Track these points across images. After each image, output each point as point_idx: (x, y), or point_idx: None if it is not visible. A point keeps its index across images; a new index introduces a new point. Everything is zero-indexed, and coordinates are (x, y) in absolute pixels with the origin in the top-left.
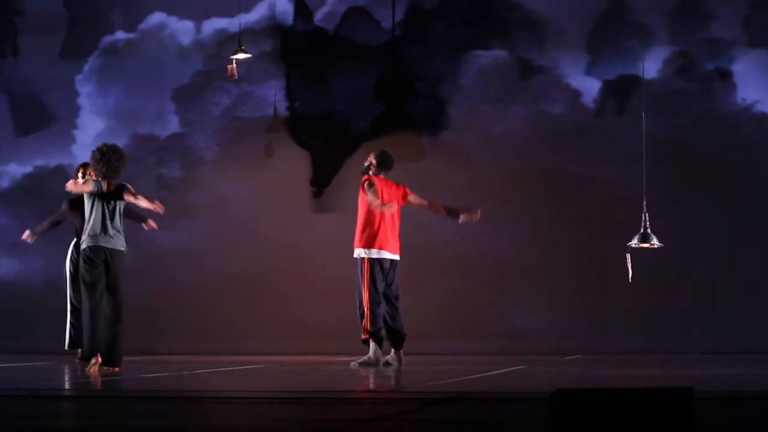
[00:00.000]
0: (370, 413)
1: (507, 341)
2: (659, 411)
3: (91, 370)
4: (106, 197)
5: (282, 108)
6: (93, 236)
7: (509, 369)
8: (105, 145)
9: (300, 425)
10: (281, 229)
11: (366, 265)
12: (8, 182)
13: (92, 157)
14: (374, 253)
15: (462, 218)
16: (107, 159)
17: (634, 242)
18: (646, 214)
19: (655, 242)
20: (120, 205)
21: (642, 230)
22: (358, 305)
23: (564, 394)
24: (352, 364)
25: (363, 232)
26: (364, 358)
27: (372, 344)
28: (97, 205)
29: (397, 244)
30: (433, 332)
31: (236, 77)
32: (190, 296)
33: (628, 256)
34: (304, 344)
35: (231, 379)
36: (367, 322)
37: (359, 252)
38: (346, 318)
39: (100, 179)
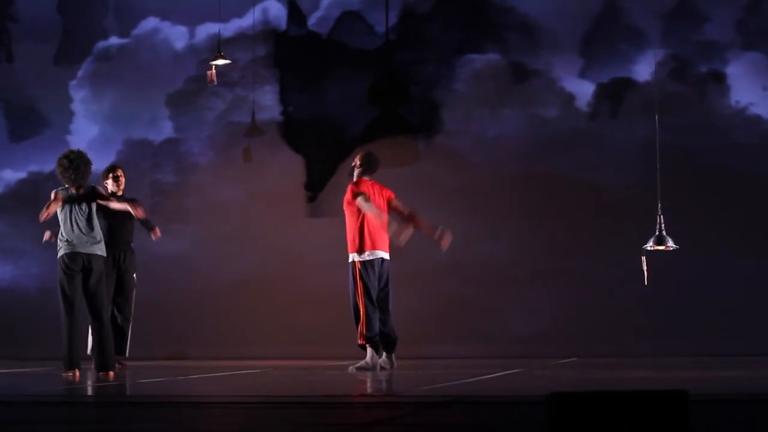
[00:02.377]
0: (365, 417)
1: (502, 345)
2: (655, 414)
3: (69, 379)
4: (80, 203)
5: (276, 113)
6: (69, 243)
7: (505, 372)
8: (71, 151)
9: (296, 430)
10: (276, 233)
11: (358, 269)
12: (2, 188)
13: (60, 164)
14: (366, 256)
15: (430, 237)
16: (76, 165)
17: (649, 245)
18: (661, 217)
19: (671, 245)
20: (94, 209)
21: (657, 233)
22: (353, 310)
23: (559, 397)
24: (350, 368)
25: (354, 236)
26: (362, 362)
27: (369, 349)
28: (70, 211)
29: (387, 243)
30: (429, 336)
31: (215, 83)
32: (184, 301)
33: (644, 258)
34: (300, 348)
35: (226, 383)
36: (363, 327)
37: (353, 256)
38: (341, 322)
39: (68, 186)
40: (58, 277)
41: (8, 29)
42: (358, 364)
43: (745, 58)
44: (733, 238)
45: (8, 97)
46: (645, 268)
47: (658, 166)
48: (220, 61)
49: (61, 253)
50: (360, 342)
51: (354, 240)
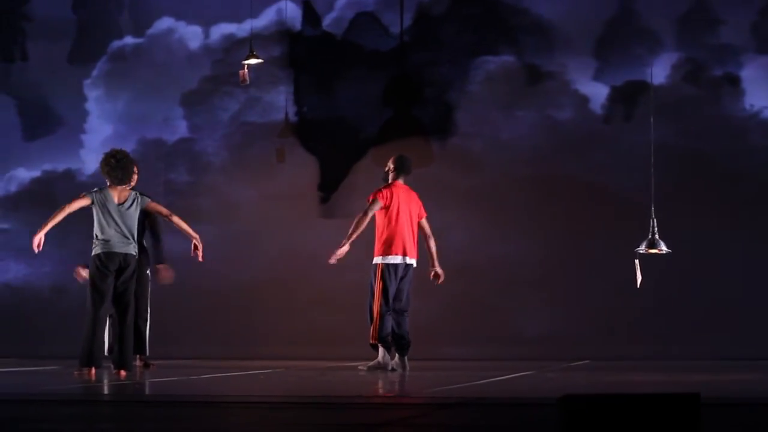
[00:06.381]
0: (376, 418)
1: (514, 347)
2: (666, 417)
3: (85, 377)
4: (121, 203)
5: (290, 113)
6: (107, 242)
7: (516, 374)
8: (117, 151)
9: (307, 430)
10: (289, 234)
11: (379, 271)
12: (16, 186)
13: (107, 164)
14: (390, 259)
15: (430, 272)
16: (123, 165)
17: (641, 248)
18: (654, 220)
19: (663, 248)
20: (136, 212)
21: (650, 236)
22: (368, 309)
23: (571, 399)
24: (360, 367)
25: (381, 238)
26: (373, 362)
27: (380, 349)
28: (110, 212)
29: (415, 249)
30: (440, 337)
31: (248, 82)
32: (197, 301)
33: (637, 262)
34: (312, 349)
35: (238, 383)
36: (375, 327)
37: (377, 259)
38: (353, 322)
39: (112, 185)
40: (91, 274)
41: (23, 28)
42: (370, 364)
43: (760, 61)
44: (747, 241)
45: (22, 96)
46: (638, 271)
47: (652, 170)
48: (253, 60)
49: (97, 251)
50: (372, 341)
51: (381, 241)
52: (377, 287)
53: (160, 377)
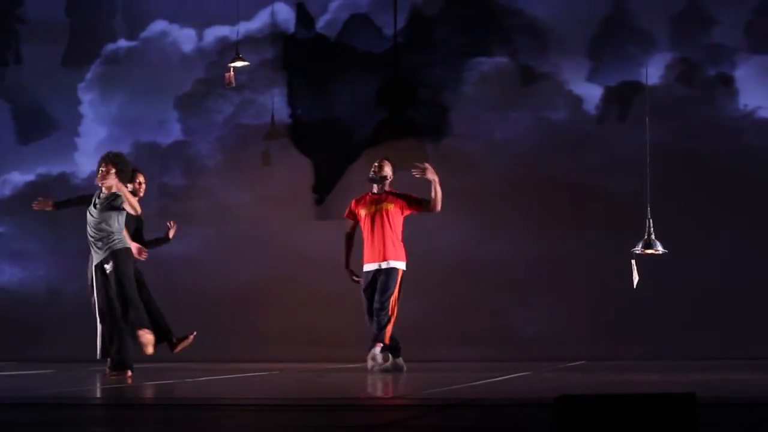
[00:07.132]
0: (373, 420)
1: (510, 347)
2: (662, 417)
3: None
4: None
5: (284, 115)
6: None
7: (513, 375)
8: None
9: None
10: (283, 236)
11: (401, 277)
12: (10, 190)
13: (128, 166)
14: (405, 266)
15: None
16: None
17: (637, 248)
18: (650, 220)
19: (659, 248)
20: None
21: (646, 236)
22: (385, 312)
23: (567, 400)
24: (375, 356)
25: (401, 242)
26: (388, 364)
27: (384, 351)
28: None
29: None
30: (436, 338)
31: (234, 85)
32: (192, 304)
33: (633, 262)
34: (307, 351)
35: (234, 386)
36: (390, 329)
37: (400, 264)
38: (349, 324)
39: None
40: (132, 266)
41: (16, 30)
42: (383, 365)
43: (754, 61)
44: (742, 240)
45: (16, 99)
46: (634, 271)
47: (647, 171)
48: (239, 63)
49: (126, 244)
50: (386, 343)
51: (402, 246)
52: (397, 293)
53: (155, 380)
